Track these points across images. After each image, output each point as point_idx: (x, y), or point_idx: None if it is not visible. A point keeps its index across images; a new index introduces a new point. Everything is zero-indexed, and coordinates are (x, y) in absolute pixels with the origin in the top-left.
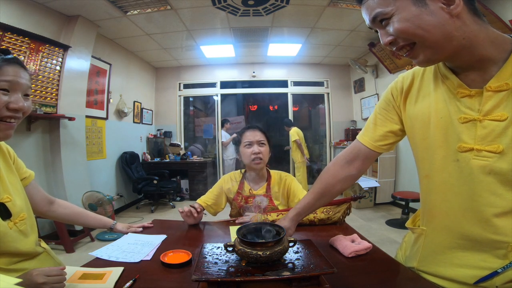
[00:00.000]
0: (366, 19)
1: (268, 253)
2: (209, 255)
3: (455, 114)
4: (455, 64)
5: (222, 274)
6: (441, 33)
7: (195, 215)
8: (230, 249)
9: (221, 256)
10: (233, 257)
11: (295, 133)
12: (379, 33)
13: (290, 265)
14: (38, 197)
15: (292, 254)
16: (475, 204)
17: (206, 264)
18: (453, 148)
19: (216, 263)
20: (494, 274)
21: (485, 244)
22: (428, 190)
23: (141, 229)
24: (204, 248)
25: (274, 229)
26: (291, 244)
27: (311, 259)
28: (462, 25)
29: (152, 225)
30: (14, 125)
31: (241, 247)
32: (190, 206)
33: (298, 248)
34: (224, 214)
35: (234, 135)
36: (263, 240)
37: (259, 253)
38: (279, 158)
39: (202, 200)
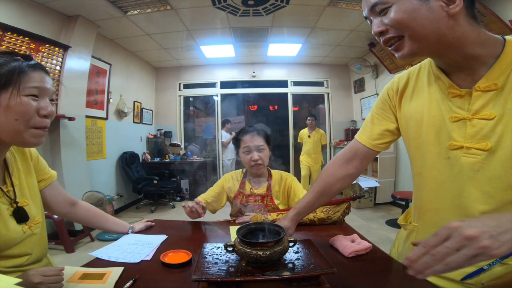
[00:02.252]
0: (365, 7)
1: (268, 253)
2: (209, 255)
3: (446, 113)
4: (442, 61)
5: (222, 274)
6: (433, 29)
7: (200, 210)
8: (230, 249)
9: (221, 256)
10: (233, 257)
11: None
12: (372, 22)
13: (290, 265)
14: (59, 198)
15: (292, 254)
16: (464, 200)
17: (206, 264)
18: (444, 146)
19: (216, 263)
20: (480, 271)
21: None
22: (419, 187)
23: (153, 223)
24: (204, 248)
25: (274, 229)
26: (291, 244)
27: (311, 259)
28: (455, 24)
29: (153, 223)
30: (46, 132)
31: (241, 247)
32: (195, 201)
33: (298, 248)
34: (224, 214)
35: (233, 133)
36: (263, 240)
37: (259, 253)
38: (279, 159)
39: (202, 198)
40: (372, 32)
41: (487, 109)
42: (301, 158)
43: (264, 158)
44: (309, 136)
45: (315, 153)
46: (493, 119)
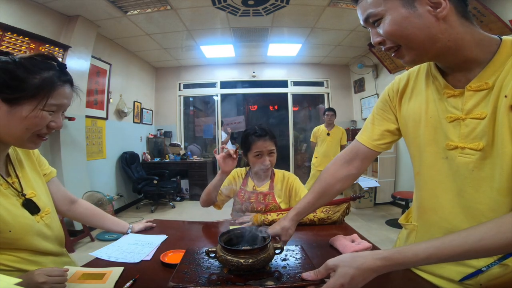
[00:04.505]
0: (360, 18)
1: (250, 261)
2: (192, 260)
3: (443, 114)
4: (442, 64)
5: (201, 281)
6: (425, 35)
7: (234, 156)
8: (212, 255)
9: (203, 262)
10: (216, 263)
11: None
12: (370, 32)
13: (275, 273)
14: (59, 195)
15: (279, 262)
16: (461, 200)
17: (186, 270)
18: (441, 146)
19: (197, 269)
20: (479, 272)
21: None
22: (419, 186)
23: (154, 224)
24: (187, 252)
25: (260, 236)
26: (277, 251)
27: (298, 267)
28: (448, 27)
29: (154, 224)
30: (46, 139)
31: (222, 254)
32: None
33: (286, 255)
34: (225, 214)
35: (229, 129)
36: (246, 247)
37: (240, 260)
38: (279, 159)
39: None
40: (372, 42)
41: (479, 108)
42: (315, 161)
43: (273, 161)
44: (328, 134)
45: (334, 154)
46: (484, 119)
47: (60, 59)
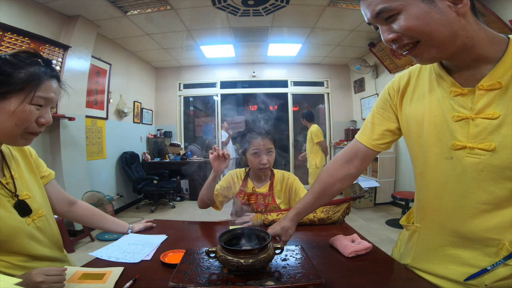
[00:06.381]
0: (368, 14)
1: (250, 261)
2: (191, 260)
3: (448, 113)
4: (453, 63)
5: (201, 281)
6: (448, 32)
7: (224, 153)
8: (212, 255)
9: (203, 262)
10: (216, 263)
11: (320, 133)
12: (380, 29)
13: (276, 274)
14: (58, 196)
15: (280, 262)
16: (467, 201)
17: (186, 270)
18: (446, 146)
19: (197, 269)
20: (484, 271)
21: (476, 242)
22: (421, 187)
23: (154, 224)
24: (188, 252)
25: (261, 236)
26: (277, 251)
27: (299, 267)
28: (466, 24)
29: (154, 225)
30: (38, 135)
31: (222, 254)
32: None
33: (286, 255)
34: (225, 214)
35: (230, 132)
36: (246, 247)
37: (240, 261)
38: (279, 159)
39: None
40: (383, 40)
41: (491, 108)
42: None
43: (272, 161)
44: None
45: (309, 152)
46: (497, 119)
47: (60, 59)
